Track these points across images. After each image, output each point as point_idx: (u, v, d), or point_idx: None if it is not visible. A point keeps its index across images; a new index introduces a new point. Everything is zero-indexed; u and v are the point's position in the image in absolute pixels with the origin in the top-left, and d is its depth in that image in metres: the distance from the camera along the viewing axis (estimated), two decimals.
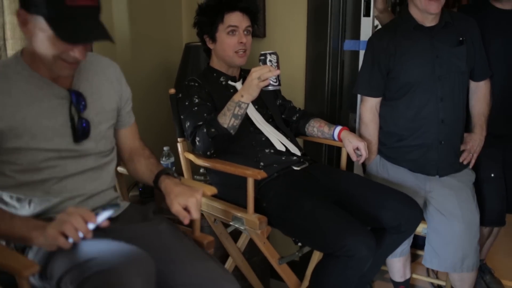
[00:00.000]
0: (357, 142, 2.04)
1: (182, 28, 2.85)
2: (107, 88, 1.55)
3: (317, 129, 2.15)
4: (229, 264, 2.24)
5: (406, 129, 2.11)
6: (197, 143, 1.90)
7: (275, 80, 1.75)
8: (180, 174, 2.10)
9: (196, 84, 2.02)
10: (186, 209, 1.45)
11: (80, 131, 1.44)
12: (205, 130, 1.85)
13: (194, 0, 2.77)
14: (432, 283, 2.62)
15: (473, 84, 2.19)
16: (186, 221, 1.44)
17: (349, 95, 2.51)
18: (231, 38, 2.01)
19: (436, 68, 2.04)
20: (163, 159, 2.41)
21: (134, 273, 1.18)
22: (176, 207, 1.45)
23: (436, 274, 2.70)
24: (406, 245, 2.23)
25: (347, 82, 2.52)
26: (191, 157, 2.05)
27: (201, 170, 2.50)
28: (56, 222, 1.25)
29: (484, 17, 2.20)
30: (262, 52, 1.77)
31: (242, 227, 1.85)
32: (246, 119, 1.98)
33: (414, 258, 2.62)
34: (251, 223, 1.80)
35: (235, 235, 2.20)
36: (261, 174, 1.76)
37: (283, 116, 2.22)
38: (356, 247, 1.61)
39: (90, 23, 1.29)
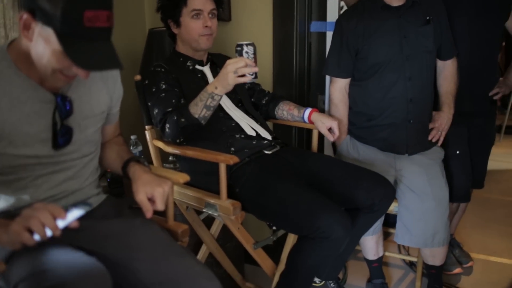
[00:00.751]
0: (330, 122, 2.03)
1: (145, 14, 2.77)
2: (99, 88, 1.47)
3: (287, 112, 2.14)
4: (203, 252, 2.22)
5: (375, 109, 2.12)
6: (167, 129, 1.85)
7: (251, 73, 1.69)
8: (150, 163, 2.07)
9: (163, 70, 1.97)
10: (151, 199, 1.39)
11: (60, 138, 1.36)
12: (175, 118, 1.80)
13: None
14: (404, 260, 2.67)
15: (440, 63, 2.21)
16: (148, 215, 1.38)
17: (317, 76, 2.50)
18: (195, 22, 1.96)
19: (404, 47, 2.05)
20: (131, 148, 2.36)
21: None
22: (141, 196, 1.38)
23: (407, 251, 2.75)
24: (378, 224, 2.25)
25: (315, 64, 2.51)
26: (160, 144, 2.00)
27: (170, 158, 2.46)
28: (21, 217, 1.16)
29: None
30: (239, 43, 1.69)
31: (215, 214, 1.82)
32: (218, 107, 1.94)
33: (386, 236, 2.66)
34: (224, 209, 1.78)
35: (208, 222, 2.18)
36: (233, 159, 1.73)
37: (252, 99, 2.19)
38: (332, 227, 1.60)
39: (104, 48, 1.21)
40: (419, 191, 2.10)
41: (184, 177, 1.59)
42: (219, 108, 1.98)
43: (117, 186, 2.32)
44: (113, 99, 1.54)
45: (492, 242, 2.85)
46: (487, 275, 2.55)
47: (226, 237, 2.29)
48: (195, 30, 1.97)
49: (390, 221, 2.52)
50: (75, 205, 1.24)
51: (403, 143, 2.13)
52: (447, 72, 2.21)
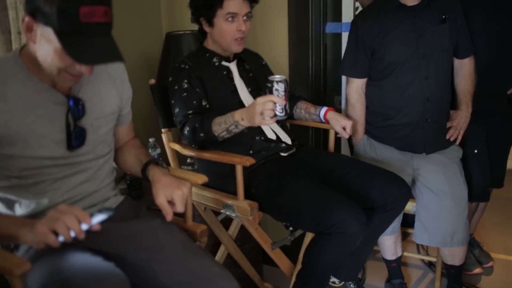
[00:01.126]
0: (344, 121, 2.02)
1: (161, 17, 2.81)
2: (108, 89, 1.49)
3: (304, 110, 2.14)
4: (221, 252, 2.24)
5: (392, 108, 2.12)
6: (185, 132, 1.87)
7: (281, 110, 1.63)
8: (167, 165, 2.09)
9: (187, 67, 1.94)
10: (171, 202, 1.41)
11: (75, 139, 1.39)
12: (196, 126, 1.82)
13: None
14: (423, 260, 2.66)
15: (457, 62, 2.20)
16: (168, 218, 1.39)
17: (333, 77, 2.51)
18: (230, 25, 1.91)
19: (420, 46, 2.04)
20: (149, 151, 2.39)
21: None
22: (161, 199, 1.40)
23: (426, 251, 2.73)
24: (396, 223, 2.25)
25: (330, 64, 2.51)
26: (177, 147, 2.03)
27: (188, 160, 2.48)
28: (47, 219, 1.18)
29: None
30: (270, 78, 1.64)
31: (233, 214, 1.84)
32: (238, 103, 1.94)
33: (405, 236, 2.64)
34: (242, 210, 1.79)
35: (226, 222, 2.19)
36: (249, 161, 1.75)
37: None
38: (347, 222, 1.61)
39: (103, 42, 1.22)
40: (437, 190, 2.09)
41: (202, 178, 1.61)
42: (242, 107, 1.96)
43: (136, 188, 2.35)
44: (123, 100, 1.56)
45: None
46: (508, 275, 2.52)
47: (244, 238, 2.31)
48: (229, 33, 1.92)
49: (409, 221, 2.51)
50: (100, 210, 1.25)
51: (421, 142, 2.12)
52: (464, 70, 2.19)
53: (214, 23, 1.93)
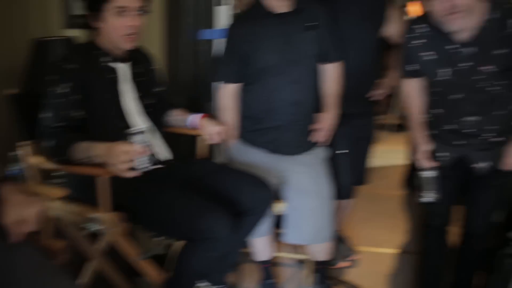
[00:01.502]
0: (215, 127, 2.05)
1: (29, 21, 2.64)
2: None
3: (178, 118, 2.12)
4: (91, 268, 2.15)
5: (261, 112, 2.19)
6: (48, 145, 1.75)
7: (144, 162, 1.63)
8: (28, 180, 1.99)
9: (71, 67, 1.79)
10: (23, 220, 1.34)
11: None
12: (59, 147, 1.72)
13: None
14: (296, 259, 2.76)
15: (324, 67, 2.31)
16: (14, 239, 1.32)
17: (205, 84, 2.53)
18: (119, 20, 1.78)
19: (287, 52, 2.13)
20: (11, 165, 2.25)
21: None
22: (8, 220, 1.32)
23: (297, 249, 2.83)
24: (267, 225, 2.32)
25: (201, 71, 2.53)
26: (40, 160, 1.92)
27: (52, 174, 2.37)
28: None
29: (334, 2, 2.31)
30: (125, 131, 1.66)
31: (99, 227, 1.79)
32: (119, 112, 1.86)
33: (278, 237, 2.73)
34: (108, 222, 1.76)
35: (94, 236, 2.12)
36: (110, 173, 1.70)
37: None
38: (214, 228, 1.64)
39: None
40: (304, 190, 2.20)
41: (60, 192, 1.55)
42: (123, 120, 1.88)
43: None
44: None
45: (377, 234, 3.04)
46: (373, 265, 2.71)
47: (113, 252, 2.24)
48: (118, 29, 1.80)
49: (281, 222, 2.60)
50: None
51: (289, 145, 2.22)
52: (330, 75, 2.31)
53: (103, 18, 1.79)
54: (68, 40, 2.46)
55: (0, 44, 2.50)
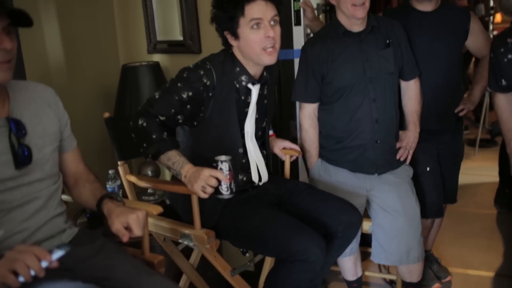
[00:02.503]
0: (282, 143, 2.12)
1: (118, 49, 2.84)
2: (46, 112, 1.54)
3: None
4: (183, 282, 2.24)
5: (343, 131, 2.18)
6: (139, 122, 1.76)
7: (226, 189, 1.68)
8: (126, 196, 2.11)
9: (207, 83, 1.77)
10: (128, 228, 1.44)
11: (22, 157, 1.42)
12: (152, 132, 1.74)
13: (128, 20, 2.80)
14: (384, 279, 2.71)
15: (403, 84, 2.29)
16: (125, 239, 1.43)
17: (288, 103, 2.57)
18: (256, 33, 1.75)
19: (367, 70, 2.13)
20: (109, 182, 2.40)
21: None
22: (116, 226, 1.43)
23: (387, 270, 2.78)
24: (354, 244, 2.29)
25: (285, 90, 2.57)
26: (133, 179, 2.04)
27: (149, 190, 2.50)
28: (6, 260, 1.19)
29: (408, 19, 2.31)
30: (216, 158, 1.69)
31: (191, 244, 1.86)
32: (240, 132, 1.87)
33: (366, 256, 2.69)
34: (199, 239, 1.81)
35: (188, 251, 2.20)
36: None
37: None
38: (309, 250, 1.64)
39: None
40: (390, 210, 2.16)
41: (157, 209, 1.64)
42: (242, 143, 1.89)
43: (97, 221, 2.35)
44: (61, 122, 1.60)
45: (469, 256, 2.90)
46: None
47: (206, 266, 2.31)
48: (256, 42, 1.75)
49: (368, 241, 2.56)
50: (57, 246, 1.27)
51: (372, 163, 2.19)
52: (410, 92, 2.29)
53: (239, 34, 1.78)
54: (156, 65, 2.59)
55: (94, 70, 2.69)
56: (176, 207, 1.99)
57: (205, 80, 1.78)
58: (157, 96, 1.79)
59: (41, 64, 2.46)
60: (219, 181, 1.67)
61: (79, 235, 1.60)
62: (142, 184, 1.99)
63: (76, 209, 2.34)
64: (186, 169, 1.72)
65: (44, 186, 1.49)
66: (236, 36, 1.79)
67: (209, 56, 1.87)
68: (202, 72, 1.78)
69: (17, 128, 1.42)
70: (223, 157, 1.69)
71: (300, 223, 1.75)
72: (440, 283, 2.60)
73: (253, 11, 1.74)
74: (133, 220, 1.44)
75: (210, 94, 1.79)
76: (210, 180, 1.65)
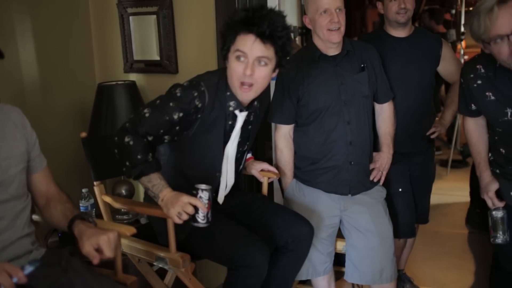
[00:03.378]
0: (259, 165, 2.17)
1: (95, 68, 2.83)
2: (13, 133, 1.54)
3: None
4: None
5: (317, 153, 2.21)
6: (126, 139, 1.72)
7: (203, 218, 1.68)
8: (100, 217, 2.09)
9: (199, 106, 1.77)
10: (99, 250, 1.44)
11: None
12: (137, 152, 1.71)
13: (105, 39, 2.81)
14: None
15: (377, 107, 2.34)
16: (95, 261, 1.43)
17: (263, 124, 2.59)
18: (238, 65, 1.74)
19: (342, 93, 2.17)
20: (82, 201, 2.38)
21: None
22: (86, 248, 1.43)
23: None
24: (328, 263, 2.30)
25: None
26: (108, 199, 2.03)
27: (122, 210, 2.48)
28: None
29: (382, 44, 2.37)
30: (196, 186, 1.69)
31: (166, 266, 1.86)
32: (221, 155, 1.89)
33: (340, 276, 2.70)
34: (174, 262, 1.81)
35: (163, 272, 2.18)
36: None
37: None
38: (249, 255, 1.70)
39: None
40: (363, 230, 2.19)
41: (130, 230, 1.64)
42: (219, 161, 1.90)
43: (68, 240, 2.32)
44: (29, 142, 1.59)
45: (441, 275, 2.94)
46: None
47: (180, 286, 2.30)
48: (235, 73, 1.75)
49: (342, 260, 2.58)
50: (29, 262, 1.33)
51: (346, 184, 2.22)
52: (384, 114, 2.34)
53: (228, 59, 1.79)
54: (133, 84, 2.59)
55: (69, 89, 2.68)
56: (153, 226, 1.98)
57: (197, 103, 1.77)
58: (147, 114, 1.75)
59: (15, 81, 2.45)
60: (196, 209, 1.67)
61: (45, 256, 1.58)
62: (117, 205, 1.99)
63: (47, 228, 2.31)
64: (164, 193, 1.72)
65: (9, 207, 1.48)
66: (227, 60, 1.80)
67: (205, 75, 1.86)
68: (195, 94, 1.77)
69: None
70: (203, 186, 1.68)
71: (244, 230, 1.80)
72: None
73: (241, 43, 1.73)
74: (104, 242, 1.44)
75: (199, 115, 1.80)
76: (187, 207, 1.65)
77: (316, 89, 2.17)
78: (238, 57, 1.74)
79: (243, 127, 1.92)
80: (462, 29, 5.34)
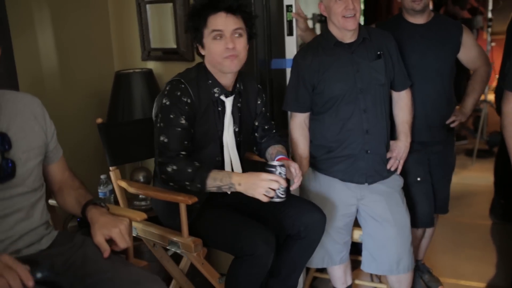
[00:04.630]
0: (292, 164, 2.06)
1: (113, 56, 2.86)
2: (32, 125, 1.54)
3: (269, 155, 2.12)
4: (173, 287, 2.24)
5: (333, 141, 2.19)
6: (169, 170, 1.80)
7: (282, 192, 1.74)
8: (118, 203, 2.12)
9: (188, 101, 1.84)
10: (111, 240, 1.47)
11: (5, 171, 1.43)
12: (189, 171, 1.77)
13: (123, 28, 2.83)
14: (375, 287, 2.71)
15: (395, 94, 2.30)
16: (105, 255, 1.46)
17: (280, 112, 2.58)
18: (217, 44, 1.82)
19: (358, 81, 2.13)
20: (101, 187, 2.41)
21: None
22: (98, 238, 1.47)
23: (379, 279, 2.78)
24: (345, 252, 2.30)
25: (277, 100, 2.58)
26: (124, 184, 2.05)
27: (140, 196, 2.51)
28: None
29: (400, 31, 2.32)
30: (272, 163, 1.78)
31: (179, 251, 1.87)
32: (219, 145, 1.94)
33: (357, 265, 2.69)
34: (186, 246, 1.83)
35: (178, 256, 2.21)
36: (192, 199, 1.78)
37: (256, 123, 2.14)
38: (254, 244, 1.70)
39: None
40: (380, 219, 2.17)
41: (141, 215, 1.66)
42: (220, 151, 1.95)
43: (87, 225, 2.36)
44: (47, 135, 1.60)
45: (462, 266, 2.89)
46: None
47: (196, 272, 2.32)
48: (217, 52, 1.83)
49: (359, 249, 2.57)
50: (40, 271, 1.35)
51: (362, 173, 2.19)
52: (402, 102, 2.29)
53: (204, 44, 1.87)
54: (149, 73, 2.62)
55: (87, 76, 2.71)
56: (156, 213, 2.01)
57: (185, 99, 1.83)
58: (165, 140, 1.83)
59: (34, 69, 2.49)
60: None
61: (58, 237, 1.61)
62: (132, 190, 2.01)
63: (66, 213, 2.35)
64: (236, 178, 1.77)
65: (25, 199, 1.50)
66: (202, 46, 1.88)
67: (183, 72, 1.93)
68: (179, 93, 1.84)
69: (2, 142, 1.43)
70: (276, 162, 1.78)
71: (250, 220, 1.81)
72: None
73: (214, 22, 1.82)
74: (116, 234, 1.48)
75: (194, 112, 1.85)
76: (273, 184, 1.71)
77: (331, 77, 2.14)
78: (215, 38, 1.82)
79: (234, 113, 1.96)
80: (490, 15, 5.19)
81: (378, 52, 2.17)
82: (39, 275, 1.33)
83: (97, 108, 2.72)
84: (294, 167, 1.90)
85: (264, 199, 1.73)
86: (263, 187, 1.72)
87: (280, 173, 1.76)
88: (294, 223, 1.90)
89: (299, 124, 2.25)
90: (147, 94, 2.50)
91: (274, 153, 2.05)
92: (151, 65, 2.76)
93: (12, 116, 1.49)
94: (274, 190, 1.72)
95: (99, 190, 2.40)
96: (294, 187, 1.90)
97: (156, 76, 2.64)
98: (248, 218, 1.83)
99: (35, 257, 1.46)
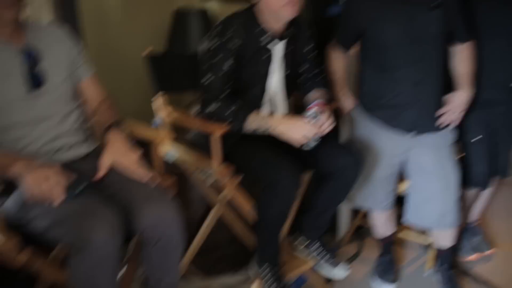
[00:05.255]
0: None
1: None
2: (56, 47, 1.67)
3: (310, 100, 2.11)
4: (213, 214, 2.25)
5: (382, 89, 2.11)
6: (213, 106, 1.85)
7: (318, 139, 1.83)
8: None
9: (238, 42, 1.85)
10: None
11: (35, 80, 1.56)
12: (227, 113, 1.83)
13: None
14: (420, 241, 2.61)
15: (454, 47, 2.15)
16: (97, 176, 1.56)
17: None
18: None
19: (411, 31, 2.01)
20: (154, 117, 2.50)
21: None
22: (103, 161, 1.58)
23: (424, 233, 2.67)
24: (388, 201, 2.24)
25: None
26: (168, 110, 2.11)
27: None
28: (38, 177, 1.37)
29: None
30: (311, 112, 1.84)
31: (212, 179, 1.94)
32: (264, 86, 1.96)
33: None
34: (219, 172, 1.88)
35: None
36: (222, 129, 1.83)
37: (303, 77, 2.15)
38: (279, 175, 1.72)
39: None
40: (427, 172, 2.10)
41: (166, 136, 1.77)
42: (264, 94, 1.97)
43: None
44: (71, 54, 1.71)
45: None
46: (507, 265, 2.47)
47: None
48: (276, 1, 1.81)
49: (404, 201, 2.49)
50: (79, 181, 1.47)
51: (411, 123, 2.10)
52: (461, 55, 2.14)
53: None
54: (205, 12, 2.67)
55: (149, 14, 2.78)
56: (198, 145, 2.05)
57: (235, 40, 1.85)
58: (207, 82, 1.87)
59: (97, 6, 2.59)
60: None
61: (96, 150, 1.72)
62: (173, 116, 2.07)
63: None
64: (274, 122, 1.83)
65: (57, 108, 1.63)
66: None
67: (234, 14, 1.91)
68: (230, 34, 1.84)
69: (33, 55, 1.56)
70: (313, 110, 1.84)
71: (282, 153, 1.82)
72: (480, 255, 2.49)
73: None
74: (129, 163, 1.59)
75: (242, 54, 1.87)
76: (307, 131, 1.80)
77: (383, 24, 2.02)
78: None
79: (286, 57, 1.96)
80: None
81: (436, 2, 2.01)
82: (77, 187, 1.44)
83: (156, 43, 2.80)
84: (325, 116, 1.88)
85: (298, 145, 1.79)
86: (298, 133, 1.79)
87: (315, 119, 1.81)
88: (330, 163, 1.89)
89: (337, 56, 2.21)
90: (200, 33, 2.56)
91: (314, 98, 2.04)
92: (210, 4, 2.79)
93: (41, 37, 1.63)
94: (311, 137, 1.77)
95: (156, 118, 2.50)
96: (321, 133, 1.88)
97: (213, 16, 2.66)
98: (281, 151, 1.84)
99: (77, 166, 1.60)
